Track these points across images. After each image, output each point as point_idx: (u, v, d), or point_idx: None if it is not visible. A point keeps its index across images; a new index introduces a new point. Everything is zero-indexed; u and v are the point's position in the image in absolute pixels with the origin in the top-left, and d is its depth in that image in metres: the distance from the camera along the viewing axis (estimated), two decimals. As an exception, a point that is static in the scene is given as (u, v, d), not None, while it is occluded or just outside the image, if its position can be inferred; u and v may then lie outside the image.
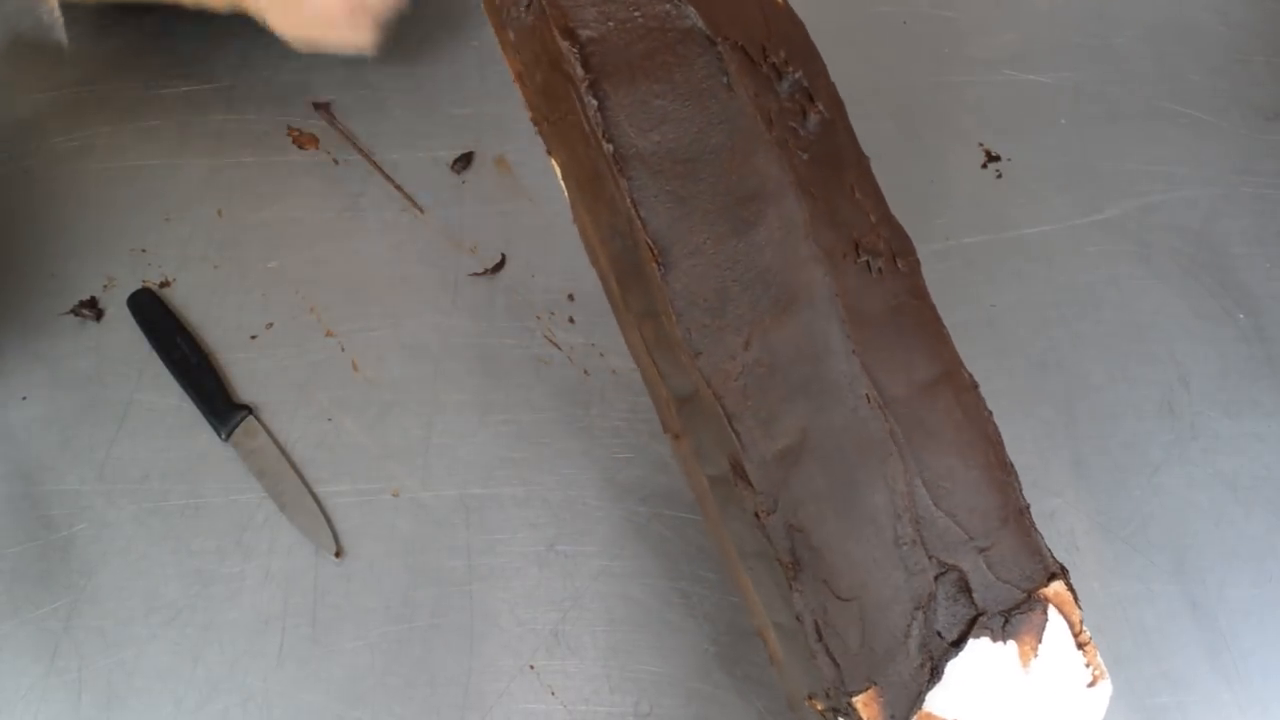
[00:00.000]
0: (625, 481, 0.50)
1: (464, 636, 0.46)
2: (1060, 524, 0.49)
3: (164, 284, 0.55)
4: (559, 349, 0.54)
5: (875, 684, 0.35)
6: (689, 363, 0.36)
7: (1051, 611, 0.37)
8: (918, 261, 0.40)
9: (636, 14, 0.37)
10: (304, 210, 0.58)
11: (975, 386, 0.39)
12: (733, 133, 0.37)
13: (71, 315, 0.54)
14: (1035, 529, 0.38)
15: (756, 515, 0.36)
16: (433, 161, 0.60)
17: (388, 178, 0.59)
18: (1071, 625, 0.38)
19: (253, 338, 0.54)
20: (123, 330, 0.54)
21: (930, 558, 0.36)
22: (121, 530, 0.48)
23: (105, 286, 0.55)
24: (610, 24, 0.36)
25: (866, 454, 0.36)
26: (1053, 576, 0.38)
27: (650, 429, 0.51)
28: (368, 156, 0.60)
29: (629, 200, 0.35)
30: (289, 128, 0.61)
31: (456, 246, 0.57)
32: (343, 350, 0.53)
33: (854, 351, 0.37)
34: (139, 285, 0.55)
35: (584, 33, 0.36)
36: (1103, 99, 0.64)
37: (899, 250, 0.40)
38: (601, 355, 0.53)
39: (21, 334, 0.54)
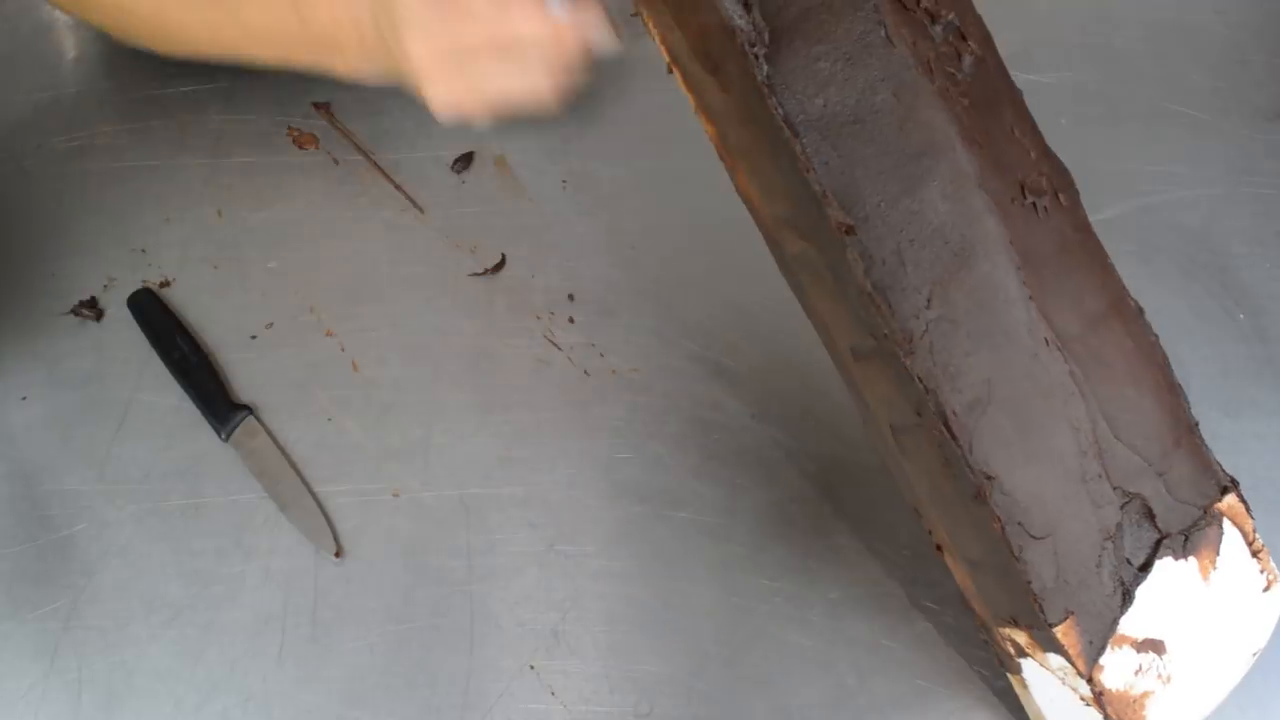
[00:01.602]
0: (625, 481, 0.50)
1: (464, 636, 0.46)
2: (1060, 524, 0.49)
3: (164, 284, 0.55)
4: (559, 349, 0.54)
5: (1073, 614, 0.36)
6: (877, 321, 0.36)
7: (1226, 524, 0.39)
8: (1077, 193, 0.41)
9: None
10: (304, 210, 0.58)
11: (1141, 312, 0.40)
12: (896, 88, 0.37)
13: (71, 315, 0.54)
14: (1204, 445, 0.40)
15: (949, 464, 0.37)
16: (433, 161, 0.60)
17: (388, 178, 0.59)
18: (1245, 535, 0.39)
19: (253, 338, 0.54)
20: (123, 330, 0.54)
21: (1115, 489, 0.38)
22: (121, 530, 0.48)
23: (105, 286, 0.55)
24: None
25: (1049, 396, 0.37)
26: (1224, 490, 0.39)
27: (650, 429, 0.51)
28: (368, 156, 0.60)
29: (805, 166, 0.35)
30: (289, 128, 0.61)
31: (456, 246, 0.57)
32: (343, 350, 0.53)
33: (1030, 297, 0.37)
34: (139, 285, 0.55)
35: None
36: (1103, 99, 0.64)
37: (1060, 185, 0.40)
38: (601, 355, 0.53)
39: (21, 334, 0.54)
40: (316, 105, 0.62)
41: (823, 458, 0.51)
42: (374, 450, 0.51)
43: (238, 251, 0.57)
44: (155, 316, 0.54)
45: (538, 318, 0.55)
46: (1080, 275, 0.39)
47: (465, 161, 0.60)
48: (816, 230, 0.37)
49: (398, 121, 0.61)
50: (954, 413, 0.36)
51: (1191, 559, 0.38)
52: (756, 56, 0.35)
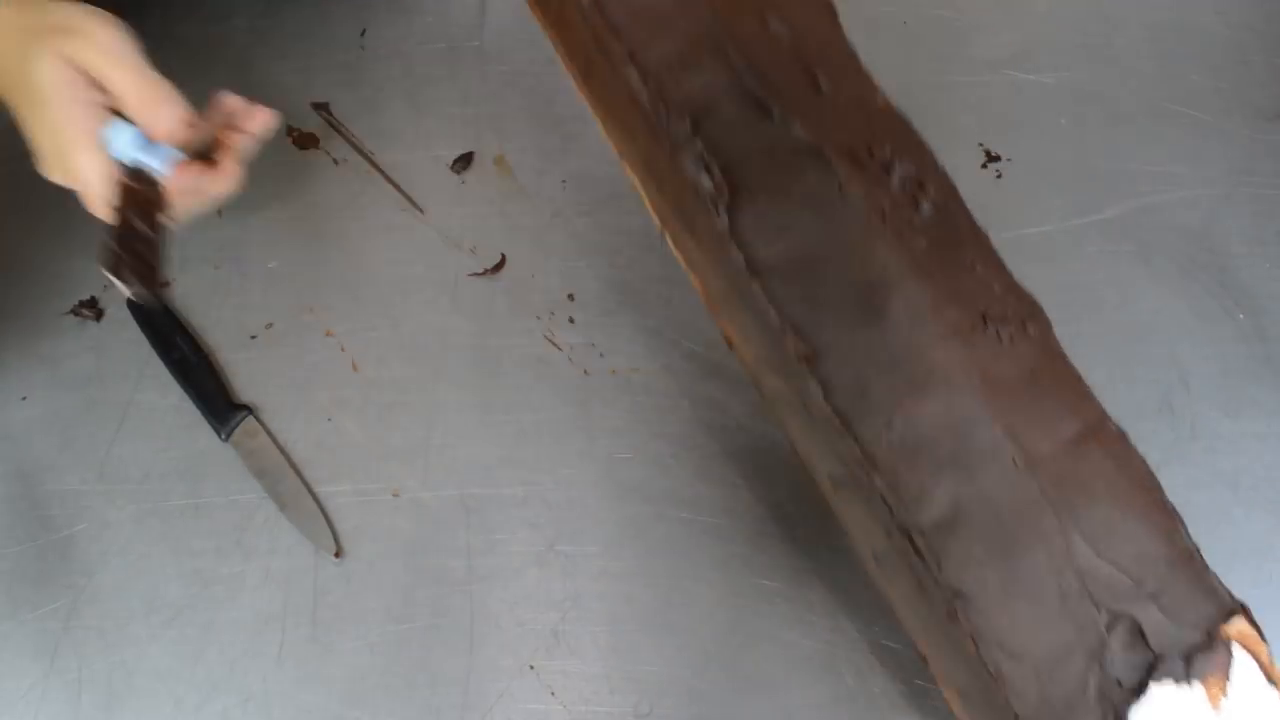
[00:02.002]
0: (625, 481, 0.50)
1: (464, 636, 0.46)
2: (1060, 524, 0.49)
3: (164, 284, 0.55)
4: (559, 349, 0.54)
5: None
6: (843, 447, 0.38)
7: (1236, 648, 0.37)
8: (1048, 323, 0.41)
9: (747, 134, 0.41)
10: (304, 210, 0.58)
11: (1123, 436, 0.40)
12: (850, 232, 0.40)
13: (71, 315, 0.54)
14: (1208, 569, 0.38)
15: (922, 585, 0.38)
16: (433, 161, 0.60)
17: (387, 178, 0.59)
18: (1259, 661, 0.37)
19: (253, 338, 0.54)
20: (123, 330, 0.54)
21: (1098, 608, 0.37)
22: (121, 530, 0.48)
23: (105, 286, 0.55)
24: (725, 145, 0.40)
25: (1020, 515, 0.37)
26: (1231, 613, 0.38)
27: (650, 429, 0.51)
28: (367, 156, 0.60)
29: (765, 305, 0.39)
30: (289, 127, 0.61)
31: (456, 246, 0.57)
32: (343, 350, 0.53)
33: (994, 418, 0.38)
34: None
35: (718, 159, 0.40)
36: (1103, 99, 0.64)
37: (1027, 316, 0.41)
38: (601, 355, 0.53)
39: (21, 334, 0.54)
40: (316, 105, 0.62)
41: (823, 458, 0.51)
42: (374, 450, 0.51)
43: (238, 251, 0.57)
44: (155, 316, 0.54)
45: (538, 318, 0.55)
46: (1051, 400, 0.40)
47: (465, 161, 0.60)
48: (784, 365, 0.40)
49: (398, 121, 0.61)
50: (920, 532, 0.37)
51: (1197, 684, 0.37)
52: (718, 210, 0.39)
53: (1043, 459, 0.38)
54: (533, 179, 0.59)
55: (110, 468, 0.50)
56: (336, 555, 0.48)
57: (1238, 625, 0.38)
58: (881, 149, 0.42)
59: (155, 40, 0.63)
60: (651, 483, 0.50)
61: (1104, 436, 0.40)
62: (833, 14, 0.46)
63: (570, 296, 0.55)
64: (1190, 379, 0.53)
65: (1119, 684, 0.36)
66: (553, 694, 0.45)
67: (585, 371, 0.53)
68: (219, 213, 0.58)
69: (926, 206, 0.41)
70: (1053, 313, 0.55)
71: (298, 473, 0.50)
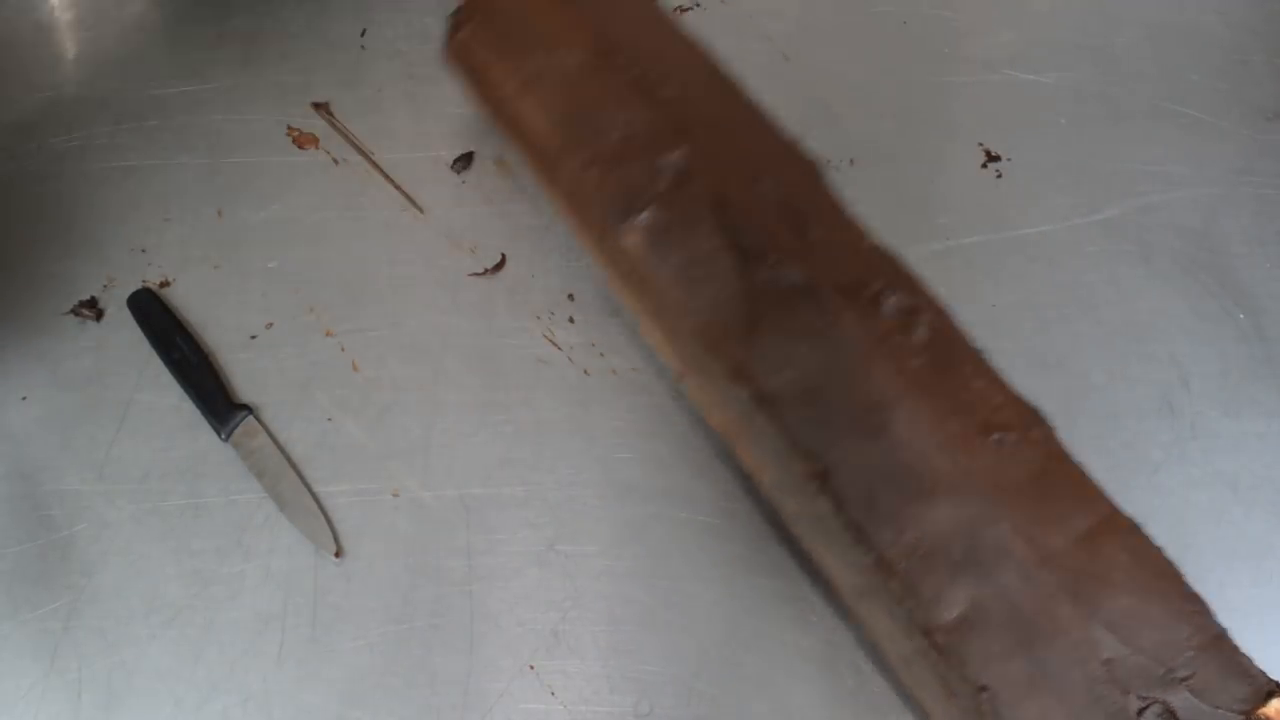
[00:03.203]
0: (625, 481, 0.50)
1: (464, 636, 0.46)
2: (1060, 524, 0.49)
3: (164, 284, 0.55)
4: (559, 349, 0.54)
5: None
6: (860, 557, 0.40)
7: None
8: (1051, 430, 0.43)
9: (746, 280, 0.44)
10: (304, 210, 0.58)
11: (1137, 528, 0.41)
12: (848, 359, 0.42)
13: (71, 315, 0.54)
14: (1239, 651, 0.38)
15: (947, 685, 0.39)
16: (433, 161, 0.60)
17: (388, 177, 0.59)
18: None
19: (253, 338, 0.54)
20: (123, 330, 0.54)
21: (1128, 693, 0.37)
22: (121, 530, 0.48)
23: (105, 286, 0.55)
24: (725, 294, 0.44)
25: (1039, 609, 0.38)
26: (1270, 694, 0.38)
27: (650, 429, 0.51)
28: (368, 156, 0.60)
29: (776, 431, 0.42)
30: (289, 127, 0.61)
31: (456, 246, 0.57)
32: (343, 350, 0.53)
33: (1003, 519, 0.40)
34: (139, 285, 0.55)
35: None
36: (1103, 99, 0.64)
37: (1029, 423, 0.43)
38: (601, 355, 0.53)
39: (21, 334, 0.54)
40: (316, 105, 0.62)
41: (823, 458, 0.51)
42: (374, 450, 0.51)
43: (238, 251, 0.57)
44: (155, 316, 0.54)
45: (538, 318, 0.55)
46: (1060, 498, 0.41)
47: (465, 161, 0.60)
48: (797, 486, 0.42)
49: (397, 121, 0.61)
50: (941, 631, 0.38)
51: None
52: (724, 352, 0.43)
53: (1056, 554, 0.39)
54: (533, 179, 0.59)
55: (110, 468, 0.50)
56: (336, 555, 0.48)
57: (1276, 705, 0.38)
58: (871, 282, 0.45)
59: (155, 39, 0.63)
60: (651, 483, 0.50)
61: (1117, 529, 0.41)
62: (817, 173, 0.50)
63: (570, 296, 0.55)
64: (1190, 379, 0.53)
65: None
66: (553, 694, 0.45)
67: (585, 371, 0.53)
68: (219, 212, 0.58)
69: (921, 330, 0.44)
70: (1053, 313, 0.55)
71: (298, 473, 0.50)
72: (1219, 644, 0.39)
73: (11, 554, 0.47)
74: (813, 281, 0.44)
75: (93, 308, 0.54)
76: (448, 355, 0.53)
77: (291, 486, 0.49)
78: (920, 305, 0.45)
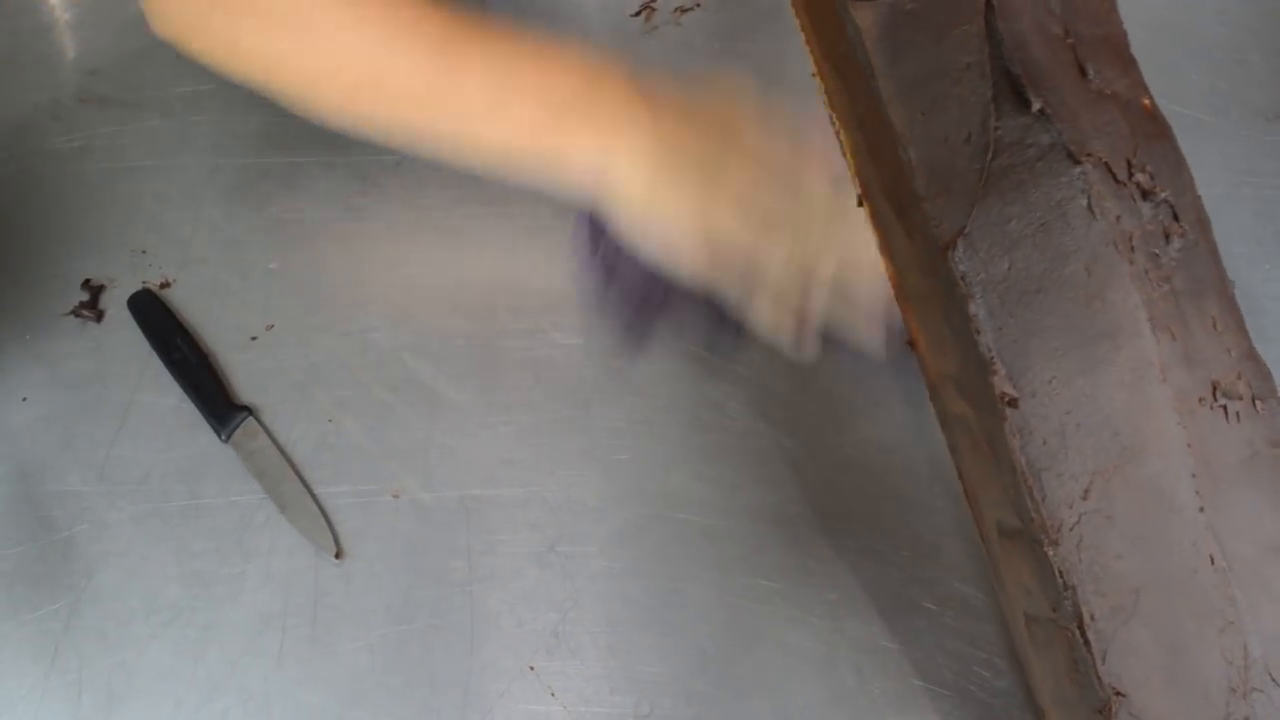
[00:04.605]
0: (625, 482, 0.50)
1: (464, 637, 0.46)
2: (1060, 524, 0.49)
3: (164, 284, 0.55)
4: (559, 349, 0.54)
5: None
6: (1027, 503, 0.34)
7: None
8: (1278, 402, 0.37)
9: (996, 126, 0.34)
10: (304, 210, 0.58)
11: None
12: (1089, 262, 0.34)
13: (72, 316, 0.54)
14: None
15: (1078, 669, 0.34)
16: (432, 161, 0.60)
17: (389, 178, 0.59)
18: None
19: (253, 338, 0.54)
20: (123, 330, 0.54)
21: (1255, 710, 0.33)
22: (121, 531, 0.48)
23: (105, 287, 0.55)
24: (967, 133, 0.34)
25: (1203, 620, 0.34)
26: None
27: (650, 429, 0.51)
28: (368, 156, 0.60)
29: (977, 329, 0.34)
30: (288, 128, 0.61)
31: (457, 247, 0.57)
32: (343, 351, 0.53)
33: (1201, 509, 0.34)
34: (139, 285, 0.55)
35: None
36: (1103, 99, 0.64)
37: (1259, 392, 0.37)
38: (601, 355, 0.53)
39: (21, 334, 0.54)
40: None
41: (823, 458, 0.51)
42: (374, 451, 0.51)
43: (238, 251, 0.57)
44: (155, 317, 0.54)
45: (538, 318, 0.55)
46: (1265, 495, 0.35)
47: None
48: (980, 396, 0.35)
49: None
50: (1092, 617, 0.33)
51: None
52: (942, 208, 0.34)
53: (1240, 561, 0.34)
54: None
55: (110, 468, 0.50)
56: (337, 556, 0.48)
57: None
58: (1141, 164, 0.36)
59: (155, 38, 0.63)
60: (651, 483, 0.50)
61: None
62: None
63: (570, 297, 0.55)
64: (1190, 379, 0.53)
65: None
66: (553, 694, 0.45)
67: (585, 371, 0.53)
68: (219, 212, 0.58)
69: (1177, 242, 0.36)
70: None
71: (298, 473, 0.50)
72: None
73: (11, 554, 0.47)
74: (1079, 147, 0.34)
75: (93, 308, 0.55)
76: (448, 355, 0.53)
77: (292, 487, 0.49)
78: (1185, 206, 0.37)
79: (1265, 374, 0.37)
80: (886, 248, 0.39)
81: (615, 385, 0.53)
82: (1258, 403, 0.36)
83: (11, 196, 0.59)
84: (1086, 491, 0.33)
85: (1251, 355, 0.37)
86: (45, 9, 0.67)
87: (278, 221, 0.57)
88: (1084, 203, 0.34)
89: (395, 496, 0.49)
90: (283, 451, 0.50)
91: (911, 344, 0.40)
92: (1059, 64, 0.36)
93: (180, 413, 0.51)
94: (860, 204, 0.39)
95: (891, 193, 0.37)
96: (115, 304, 0.55)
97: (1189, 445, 0.34)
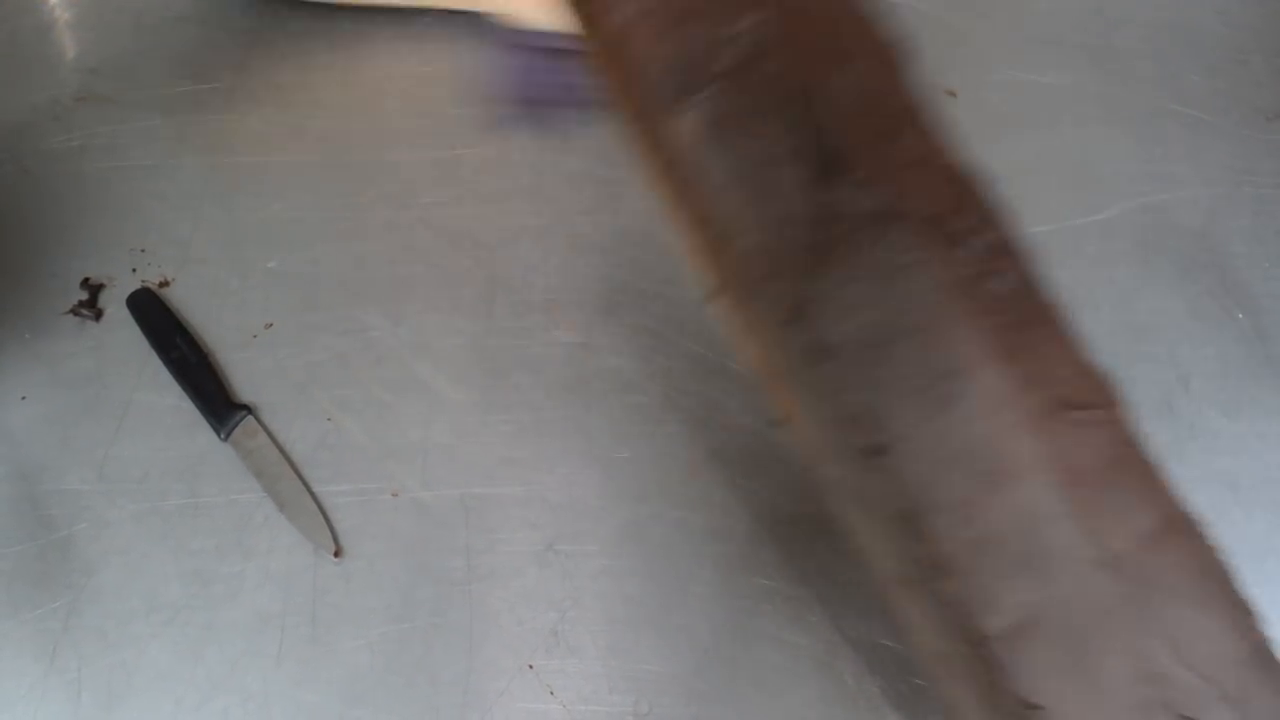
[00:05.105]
0: (624, 481, 0.50)
1: (464, 636, 0.46)
2: (1060, 524, 0.49)
3: (164, 284, 0.55)
4: (559, 349, 0.54)
5: None
6: (910, 546, 0.36)
7: None
8: (1125, 405, 0.39)
9: (821, 202, 0.36)
10: (304, 210, 0.58)
11: (1202, 528, 0.37)
12: (926, 309, 0.36)
13: (71, 315, 0.54)
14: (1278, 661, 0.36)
15: (992, 694, 0.35)
16: (432, 163, 0.60)
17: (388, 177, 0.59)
18: None
19: (254, 338, 0.54)
20: (123, 330, 0.54)
21: (1177, 717, 0.34)
22: (121, 530, 0.48)
23: (105, 286, 0.55)
24: (795, 213, 0.36)
25: (1099, 621, 0.35)
26: None
27: (650, 429, 0.51)
28: (368, 156, 0.60)
29: (835, 389, 0.36)
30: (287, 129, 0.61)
31: (456, 246, 0.57)
32: (343, 350, 0.53)
33: (1073, 515, 0.35)
34: (139, 285, 0.55)
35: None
36: (1103, 99, 0.64)
37: (1106, 399, 0.38)
38: (601, 355, 0.53)
39: (21, 333, 0.54)
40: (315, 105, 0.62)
41: (822, 458, 0.51)
42: (374, 450, 0.51)
43: (238, 251, 0.57)
44: (155, 316, 0.54)
45: (538, 318, 0.55)
46: (1130, 490, 0.37)
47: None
48: (850, 454, 0.37)
49: (401, 121, 0.61)
50: (992, 640, 0.34)
51: None
52: (786, 281, 0.36)
53: (1122, 557, 0.35)
54: (533, 178, 0.59)
55: (110, 468, 0.50)
56: (336, 555, 0.48)
57: None
58: (960, 214, 0.38)
59: (155, 39, 0.62)
60: (651, 482, 0.50)
61: (1183, 527, 0.37)
62: (903, 65, 0.43)
63: (570, 296, 0.55)
64: (1190, 379, 0.53)
65: None
66: (552, 693, 0.45)
67: (585, 371, 0.53)
68: (219, 212, 0.58)
69: (1006, 278, 0.38)
70: (1053, 313, 0.55)
71: (297, 472, 0.50)
72: (1264, 656, 0.36)
73: (11, 554, 0.47)
74: (898, 208, 0.36)
75: (92, 307, 0.54)
76: (448, 355, 0.53)
77: (291, 486, 0.49)
78: (1007, 244, 0.39)
79: (1106, 383, 0.38)
80: (744, 335, 0.41)
81: (615, 385, 0.53)
82: (1105, 409, 0.38)
83: (11, 196, 0.59)
84: (963, 522, 0.35)
85: (1090, 367, 0.38)
86: (45, 9, 0.67)
87: (278, 221, 0.57)
88: (912, 257, 0.36)
89: (395, 495, 0.49)
90: (282, 450, 0.50)
91: (785, 422, 0.41)
92: (872, 137, 0.38)
93: (179, 411, 0.51)
94: (712, 301, 0.41)
95: (736, 282, 0.39)
96: (114, 303, 0.55)
97: (1050, 460, 0.35)
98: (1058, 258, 0.57)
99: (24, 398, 0.52)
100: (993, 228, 0.38)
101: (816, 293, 0.36)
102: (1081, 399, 0.37)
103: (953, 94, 0.64)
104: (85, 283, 0.55)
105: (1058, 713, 0.34)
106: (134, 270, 0.56)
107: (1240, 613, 0.36)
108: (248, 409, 0.51)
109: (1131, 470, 0.37)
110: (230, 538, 0.48)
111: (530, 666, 0.45)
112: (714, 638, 0.46)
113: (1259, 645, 0.36)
